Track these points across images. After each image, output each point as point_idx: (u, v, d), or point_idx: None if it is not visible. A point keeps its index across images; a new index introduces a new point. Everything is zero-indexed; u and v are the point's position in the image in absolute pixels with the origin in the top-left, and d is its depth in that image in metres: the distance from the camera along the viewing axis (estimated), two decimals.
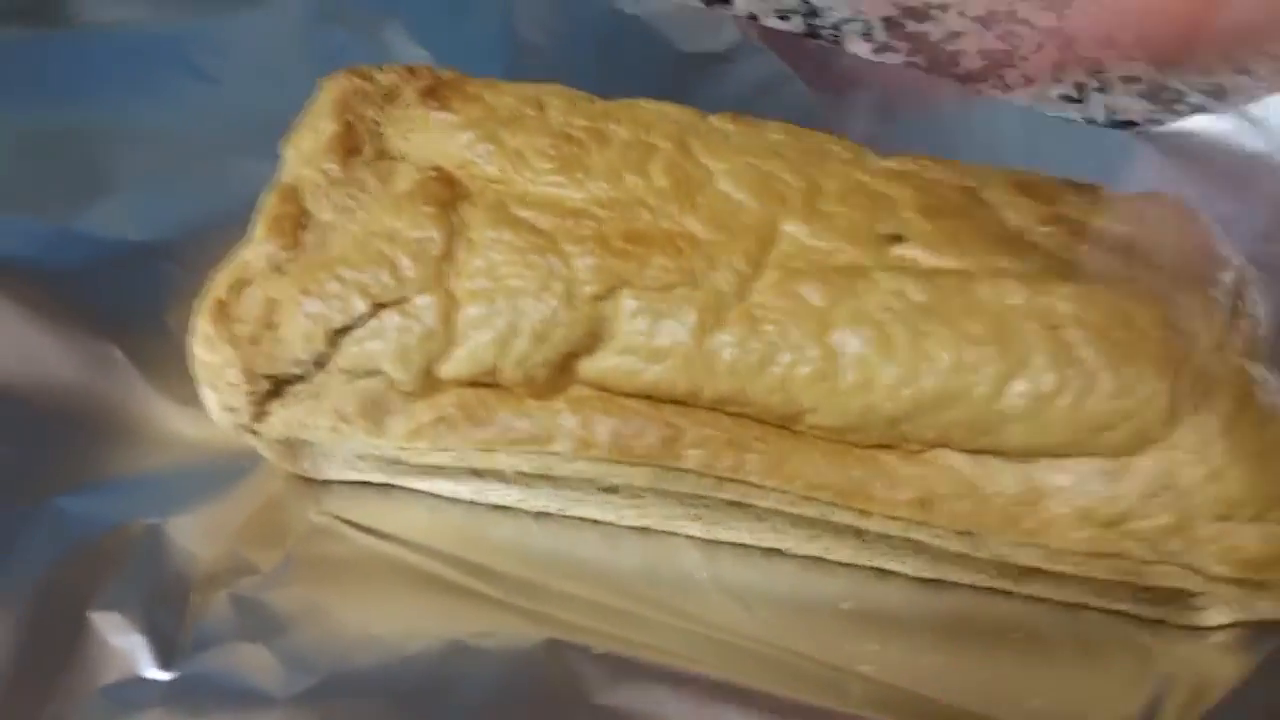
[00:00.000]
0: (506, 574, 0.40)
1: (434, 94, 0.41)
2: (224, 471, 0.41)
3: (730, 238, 0.38)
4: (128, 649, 0.37)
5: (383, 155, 0.40)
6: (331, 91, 0.42)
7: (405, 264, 0.36)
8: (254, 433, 0.38)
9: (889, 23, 0.65)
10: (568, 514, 0.42)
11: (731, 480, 0.38)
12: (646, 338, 0.37)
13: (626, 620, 0.39)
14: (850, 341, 0.36)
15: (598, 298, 0.37)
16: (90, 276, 0.45)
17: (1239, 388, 0.37)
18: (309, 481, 0.41)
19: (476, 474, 0.40)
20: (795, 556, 0.42)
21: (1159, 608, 0.41)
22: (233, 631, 0.37)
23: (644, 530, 0.42)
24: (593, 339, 0.37)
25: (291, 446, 0.39)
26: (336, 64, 0.53)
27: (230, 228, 0.45)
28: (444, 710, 0.37)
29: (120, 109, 0.52)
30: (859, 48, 0.63)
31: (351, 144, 0.40)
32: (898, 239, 0.39)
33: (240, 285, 0.37)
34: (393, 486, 0.41)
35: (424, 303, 0.36)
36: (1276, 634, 0.41)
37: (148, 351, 0.43)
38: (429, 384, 0.37)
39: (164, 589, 0.38)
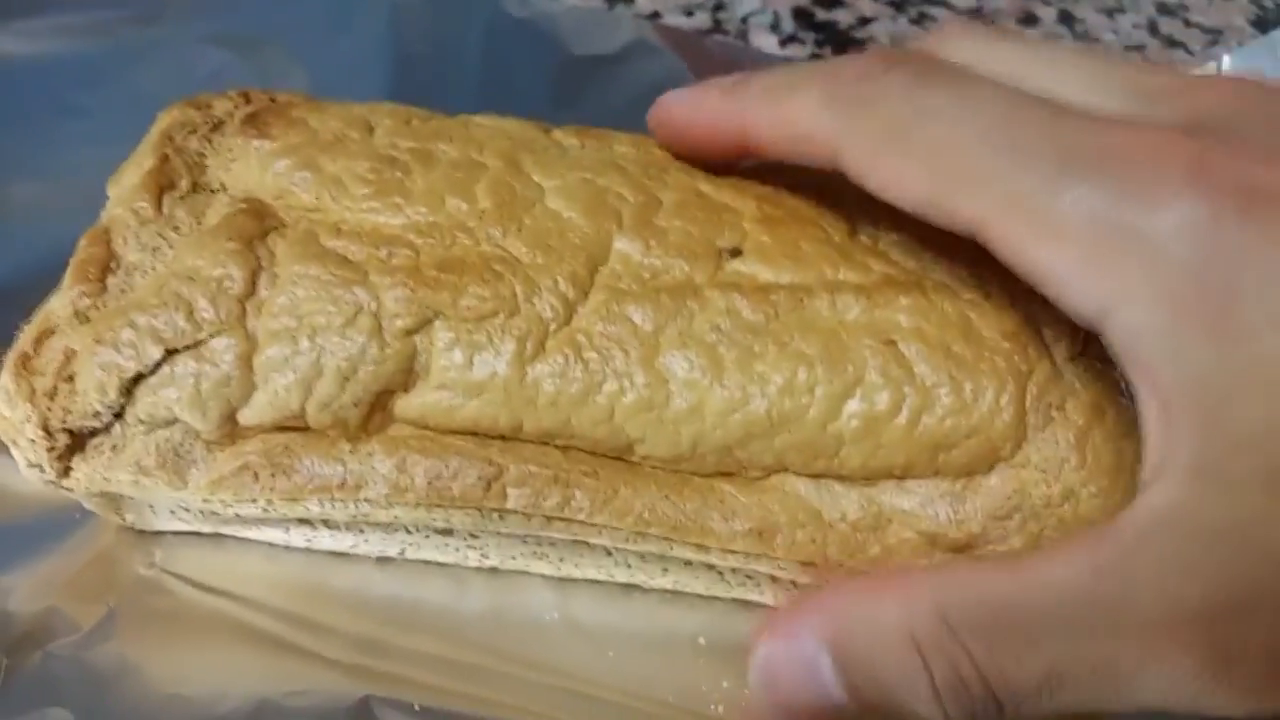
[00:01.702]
0: (338, 627, 0.38)
1: (254, 120, 0.39)
2: (50, 526, 0.40)
3: (555, 260, 0.36)
4: None
5: (200, 189, 0.38)
6: (160, 124, 0.40)
7: (202, 305, 0.35)
8: (66, 489, 0.37)
9: (797, 12, 0.63)
10: (408, 558, 0.40)
11: (560, 519, 0.36)
12: (463, 371, 0.35)
13: (463, 671, 0.37)
14: (678, 365, 0.34)
15: (409, 331, 0.35)
16: None
17: (1095, 398, 0.35)
18: (141, 534, 0.40)
19: (303, 521, 0.38)
20: (654, 590, 0.40)
21: None
22: (41, 695, 0.36)
23: (495, 571, 0.40)
24: (407, 375, 0.35)
25: (112, 498, 0.38)
26: (214, 89, 0.52)
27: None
28: None
29: None
30: (766, 41, 0.61)
31: (165, 179, 0.38)
32: (737, 253, 0.36)
33: (44, 335, 0.36)
34: (226, 537, 0.40)
35: (221, 345, 0.34)
36: None
37: None
38: (231, 431, 0.35)
39: None
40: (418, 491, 0.35)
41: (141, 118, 0.52)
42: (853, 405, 0.34)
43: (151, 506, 0.39)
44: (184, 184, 0.38)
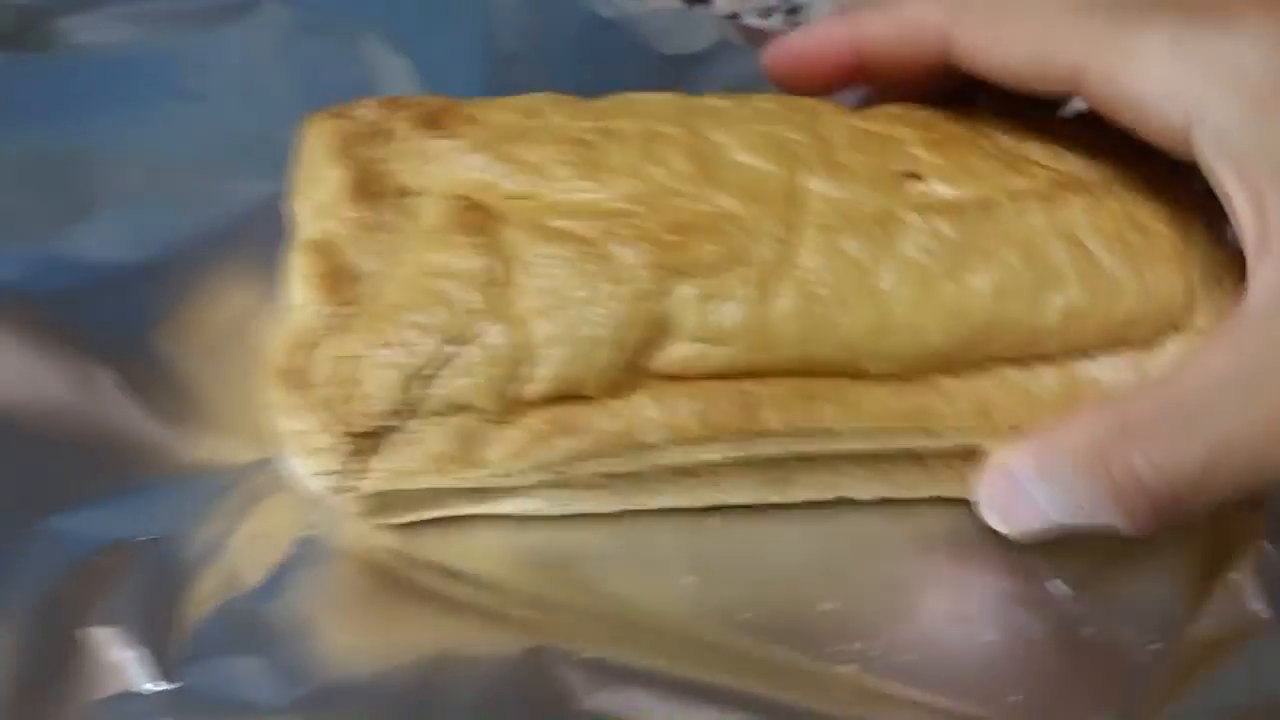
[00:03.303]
0: (499, 582, 0.41)
1: (431, 122, 0.41)
2: (214, 489, 0.42)
3: (765, 207, 0.39)
4: (123, 663, 0.37)
5: (401, 192, 0.39)
6: (321, 136, 0.41)
7: (467, 297, 0.37)
8: (349, 490, 0.38)
9: None
10: (650, 508, 0.42)
11: (809, 433, 0.39)
12: (708, 322, 0.37)
13: (616, 625, 0.40)
14: (897, 288, 0.38)
15: (656, 293, 0.37)
16: (76, 300, 0.45)
17: (1241, 266, 0.38)
18: (298, 496, 0.42)
19: (560, 485, 0.40)
20: (784, 561, 0.43)
21: None
22: (226, 644, 0.38)
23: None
24: (660, 333, 0.38)
25: (383, 498, 0.39)
26: (317, 77, 0.55)
27: (214, 246, 0.47)
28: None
29: (102, 130, 0.52)
30: None
31: (367, 187, 0.39)
32: (915, 176, 0.40)
33: (303, 348, 0.37)
34: None
35: (495, 331, 0.36)
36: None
37: (137, 372, 0.44)
38: (516, 408, 0.37)
39: (158, 604, 0.39)
40: (688, 429, 0.38)
41: (250, 104, 0.55)
42: (1055, 301, 0.39)
43: (418, 499, 0.40)
44: (385, 189, 0.39)
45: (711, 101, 0.43)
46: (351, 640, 0.39)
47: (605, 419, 0.38)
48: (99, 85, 0.55)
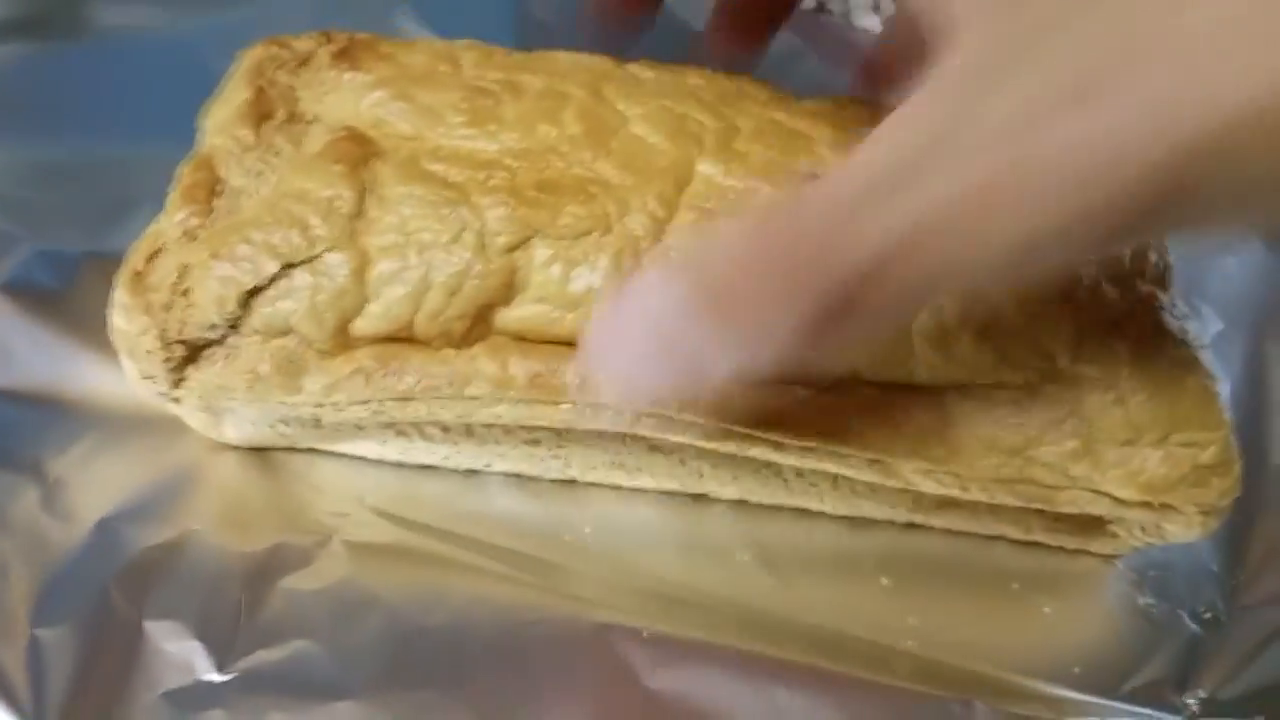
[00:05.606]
0: (539, 559, 0.41)
1: (345, 55, 0.41)
2: (245, 474, 0.42)
3: (644, 181, 0.38)
4: (184, 654, 0.37)
5: (296, 119, 0.40)
6: (246, 61, 0.42)
7: (315, 223, 0.37)
8: (174, 400, 0.39)
9: None
10: (494, 470, 0.42)
11: (646, 414, 0.38)
12: (560, 285, 0.37)
13: (661, 601, 0.40)
14: None
15: (511, 248, 0.37)
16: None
17: (1144, 316, 0.38)
18: (349, 476, 0.42)
19: (399, 432, 0.41)
20: (831, 516, 0.43)
21: (1076, 537, 0.42)
22: (282, 626, 0.38)
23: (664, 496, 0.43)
24: (508, 290, 0.37)
25: (214, 414, 0.40)
26: None
27: None
28: (504, 697, 0.37)
29: (136, 120, 0.52)
30: (868, 21, 0.63)
31: (263, 109, 0.40)
32: (814, 177, 0.38)
33: (155, 253, 0.38)
34: (406, 466, 0.42)
35: (335, 260, 0.37)
36: None
37: None
38: (343, 341, 0.37)
39: (211, 592, 0.38)
40: (519, 387, 0.37)
41: None
42: (926, 323, 0.37)
43: (252, 422, 0.41)
44: (280, 114, 0.40)
45: (637, 70, 0.42)
46: (410, 619, 0.39)
47: (434, 365, 0.37)
48: (129, 73, 0.55)
